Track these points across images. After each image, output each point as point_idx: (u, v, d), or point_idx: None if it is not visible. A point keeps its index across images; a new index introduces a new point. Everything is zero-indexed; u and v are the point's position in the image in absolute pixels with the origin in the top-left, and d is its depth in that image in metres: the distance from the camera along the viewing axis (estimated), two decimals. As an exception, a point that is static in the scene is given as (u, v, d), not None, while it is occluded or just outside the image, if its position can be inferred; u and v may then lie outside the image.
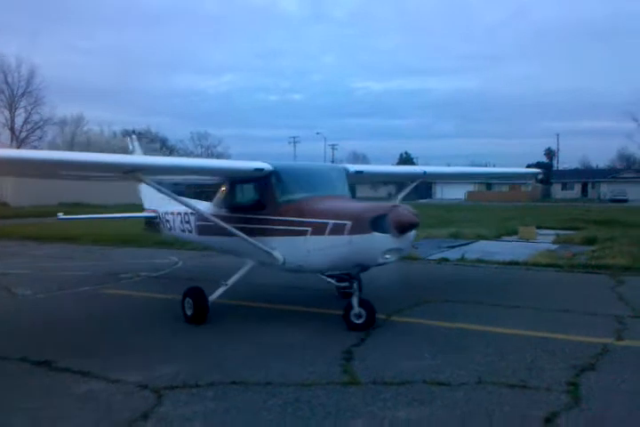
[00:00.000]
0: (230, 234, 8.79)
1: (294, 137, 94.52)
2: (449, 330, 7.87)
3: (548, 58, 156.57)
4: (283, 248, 8.27)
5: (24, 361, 6.79)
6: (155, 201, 12.74)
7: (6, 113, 63.90)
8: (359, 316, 8.01)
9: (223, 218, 9.07)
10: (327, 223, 7.68)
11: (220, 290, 8.75)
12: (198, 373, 6.30)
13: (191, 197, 13.44)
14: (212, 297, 8.67)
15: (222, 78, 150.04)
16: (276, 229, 8.36)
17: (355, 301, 8.04)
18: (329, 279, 9.89)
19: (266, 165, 8.59)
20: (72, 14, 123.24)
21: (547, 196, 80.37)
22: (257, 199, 8.92)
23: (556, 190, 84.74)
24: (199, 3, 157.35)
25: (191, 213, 10.60)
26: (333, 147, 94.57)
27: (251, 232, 8.54)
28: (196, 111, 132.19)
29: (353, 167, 9.98)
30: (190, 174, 9.36)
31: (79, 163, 7.40)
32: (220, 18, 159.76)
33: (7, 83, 62.83)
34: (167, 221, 12.14)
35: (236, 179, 9.27)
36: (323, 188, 8.80)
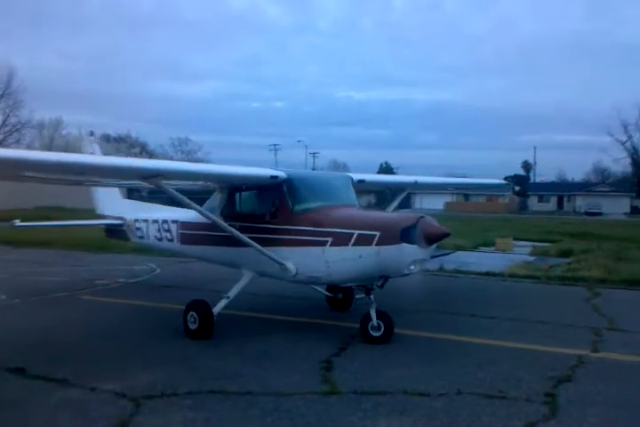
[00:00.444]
0: (225, 244, 8.52)
1: (275, 144, 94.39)
2: (427, 340, 7.90)
3: (528, 71, 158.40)
4: (295, 259, 7.95)
5: (-3, 368, 6.64)
6: (119, 207, 12.17)
7: (-15, 115, 62.83)
8: (377, 328, 7.85)
9: (220, 227, 8.49)
10: (352, 233, 7.47)
11: (223, 303, 8.29)
12: (176, 382, 6.22)
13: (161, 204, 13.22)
14: (215, 311, 8.24)
15: (205, 85, 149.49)
16: (288, 240, 8.03)
17: (372, 313, 7.86)
18: (320, 290, 9.88)
19: (280, 173, 8.30)
20: (52, 17, 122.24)
21: (523, 208, 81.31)
22: (266, 208, 8.51)
23: (533, 203, 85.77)
24: (183, 9, 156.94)
25: (172, 221, 10.19)
26: (314, 155, 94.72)
27: (256, 242, 8.06)
28: (177, 117, 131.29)
29: (356, 176, 9.88)
30: (208, 181, 8.85)
31: (97, 166, 7.06)
32: (203, 24, 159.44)
33: (-15, 85, 61.82)
34: (138, 228, 11.35)
35: (239, 186, 8.83)
36: (335, 197, 8.60)
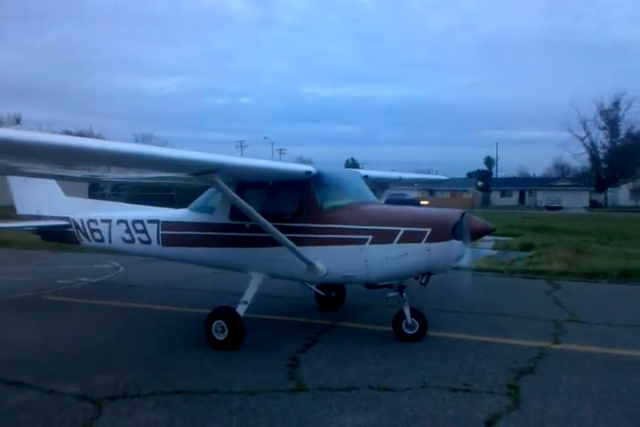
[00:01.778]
0: (228, 244, 8.20)
1: (241, 141, 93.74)
2: (391, 335, 7.94)
3: (490, 69, 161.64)
4: (326, 258, 7.56)
5: (-48, 372, 6.43)
6: (62, 206, 10.72)
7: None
8: (411, 327, 7.78)
9: (227, 227, 8.30)
10: (397, 231, 7.30)
11: (242, 309, 7.65)
12: (139, 382, 6.11)
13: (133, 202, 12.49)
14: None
15: (169, 80, 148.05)
16: (317, 238, 7.64)
17: (407, 311, 7.76)
18: (313, 288, 9.63)
19: (312, 168, 7.89)
20: (12, 11, 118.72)
21: (486, 202, 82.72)
22: (287, 205, 8.06)
23: (495, 197, 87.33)
24: (145, 3, 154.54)
25: (149, 221, 9.20)
26: (281, 151, 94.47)
27: (273, 242, 7.60)
28: (140, 113, 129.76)
29: (361, 172, 9.71)
30: (257, 176, 7.93)
31: (148, 157, 6.00)
32: (166, 18, 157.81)
33: (-62, 79, 59.89)
34: (95, 230, 9.98)
35: (254, 182, 8.17)
36: (361, 193, 8.39)
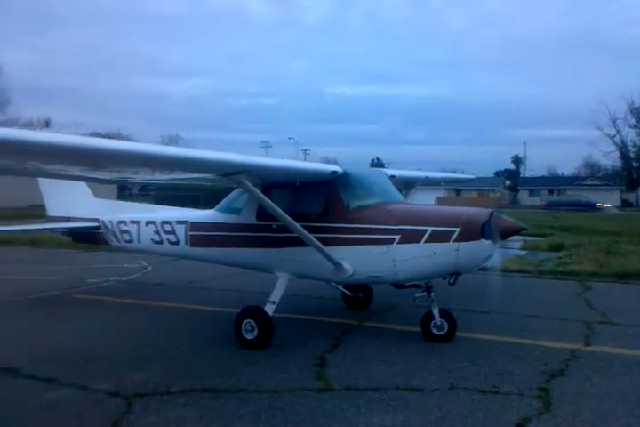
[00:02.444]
0: (255, 245, 8.24)
1: (266, 141, 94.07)
2: (419, 335, 7.90)
3: (518, 66, 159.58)
4: (352, 258, 7.55)
5: (-12, 368, 6.59)
6: (92, 208, 10.87)
7: (-29, 113, 62.32)
8: (440, 327, 7.72)
9: (253, 227, 8.33)
10: (425, 230, 7.25)
11: (270, 308, 7.68)
12: (169, 380, 6.19)
13: (154, 203, 12.53)
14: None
15: (192, 82, 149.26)
16: (344, 238, 7.63)
17: (435, 311, 7.70)
18: (340, 288, 9.65)
19: (339, 168, 7.91)
20: (40, 15, 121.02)
21: (514, 202, 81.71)
22: (313, 205, 8.03)
23: (523, 197, 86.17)
24: (169, 6, 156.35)
25: (177, 222, 9.30)
26: (305, 152, 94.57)
27: (300, 242, 7.60)
28: (166, 114, 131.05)
29: (387, 171, 9.66)
30: (285, 176, 7.90)
31: (177, 158, 6.07)
32: (189, 21, 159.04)
33: (-29, 82, 61.28)
34: (124, 231, 10.10)
35: (280, 183, 8.16)
36: (387, 193, 8.34)
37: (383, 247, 7.43)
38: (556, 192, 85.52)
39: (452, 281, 7.52)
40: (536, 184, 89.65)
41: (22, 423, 5.14)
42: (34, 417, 5.26)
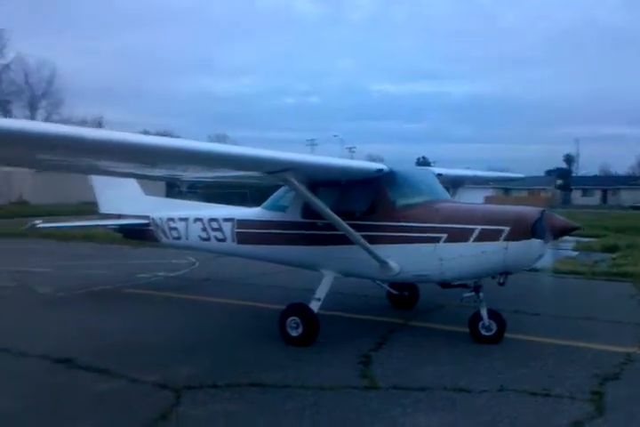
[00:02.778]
0: (301, 243, 8.28)
1: (311, 139, 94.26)
2: (467, 336, 7.77)
3: (567, 62, 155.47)
4: (399, 257, 7.52)
5: (44, 359, 6.83)
6: (142, 205, 11.10)
7: (27, 113, 64.66)
8: (488, 328, 7.58)
9: (299, 225, 8.35)
10: (473, 229, 7.16)
11: (316, 305, 7.69)
12: (216, 373, 6.29)
13: (201, 200, 12.57)
14: None
15: (240, 81, 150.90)
16: (390, 237, 7.59)
17: (483, 312, 7.57)
18: (385, 287, 9.61)
19: (384, 166, 7.86)
20: (93, 16, 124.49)
21: (566, 202, 79.59)
22: (359, 203, 8.02)
23: (576, 197, 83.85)
24: (217, 5, 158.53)
25: (224, 220, 9.41)
26: (351, 150, 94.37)
27: (345, 240, 7.59)
28: (213, 113, 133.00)
29: (435, 170, 9.62)
30: (329, 175, 7.94)
31: (226, 156, 6.12)
32: (237, 20, 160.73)
33: (28, 83, 63.53)
34: (173, 228, 10.27)
35: (326, 181, 8.09)
36: (434, 191, 8.26)
37: (430, 246, 7.35)
38: (610, 192, 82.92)
39: (501, 281, 7.37)
40: (589, 183, 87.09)
41: (77, 413, 5.28)
42: (87, 407, 5.41)
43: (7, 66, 59.56)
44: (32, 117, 63.44)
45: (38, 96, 64.68)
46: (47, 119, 65.09)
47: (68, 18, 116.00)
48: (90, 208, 15.10)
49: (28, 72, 63.15)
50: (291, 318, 7.57)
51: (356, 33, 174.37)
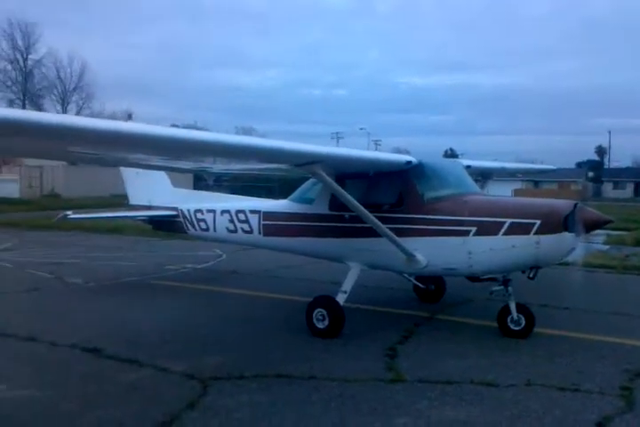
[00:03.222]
0: (328, 235, 8.27)
1: (337, 132, 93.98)
2: (494, 330, 7.70)
3: (596, 52, 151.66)
4: (427, 250, 7.47)
5: (74, 348, 6.97)
6: (171, 197, 11.26)
7: (58, 107, 65.76)
8: (517, 322, 7.50)
9: (326, 217, 8.34)
10: (503, 222, 7.08)
11: (342, 298, 7.70)
12: (243, 364, 6.34)
13: (228, 192, 12.68)
14: None
15: (267, 73, 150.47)
16: (418, 229, 7.55)
17: (512, 306, 7.47)
18: (412, 280, 9.56)
19: (413, 159, 7.79)
20: (120, 10, 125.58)
21: (597, 195, 78.13)
22: (388, 196, 7.96)
23: (607, 189, 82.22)
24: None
25: (251, 212, 9.43)
26: (377, 142, 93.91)
27: (373, 233, 7.57)
28: (240, 106, 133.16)
29: (463, 162, 9.56)
30: (357, 168, 7.92)
31: (254, 148, 6.15)
32: (263, 12, 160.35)
33: (60, 78, 64.46)
34: (200, 220, 10.35)
35: (355, 173, 8.07)
36: (463, 184, 8.16)
37: (459, 239, 7.28)
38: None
39: (531, 275, 7.28)
40: (621, 176, 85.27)
41: (106, 402, 5.38)
42: (117, 396, 5.51)
43: (39, 61, 60.48)
44: (63, 112, 64.51)
45: (69, 91, 65.73)
46: (78, 113, 66.15)
47: (98, 11, 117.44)
48: (120, 201, 15.28)
49: (59, 67, 64.13)
50: (317, 311, 7.58)
51: (384, 24, 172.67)
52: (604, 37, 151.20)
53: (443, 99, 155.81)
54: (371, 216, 7.36)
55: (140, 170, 11.50)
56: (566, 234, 6.87)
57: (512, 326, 7.54)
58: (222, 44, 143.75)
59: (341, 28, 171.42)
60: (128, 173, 12.14)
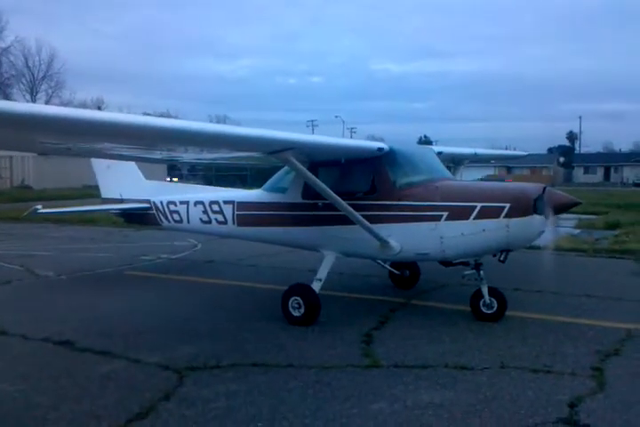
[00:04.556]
0: (302, 224, 8.25)
1: (312, 120, 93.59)
2: (468, 314, 7.79)
3: (571, 39, 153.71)
4: (399, 236, 7.51)
5: (46, 341, 6.86)
6: (143, 189, 11.13)
7: (27, 96, 64.32)
8: (490, 306, 7.59)
9: (299, 206, 8.35)
10: (474, 206, 7.15)
11: (317, 286, 7.71)
12: (218, 354, 6.32)
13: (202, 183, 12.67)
14: None
15: (241, 62, 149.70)
16: (391, 216, 7.59)
17: (484, 289, 7.57)
18: (386, 266, 9.64)
19: (385, 145, 7.78)
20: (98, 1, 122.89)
21: (568, 180, 79.34)
22: (360, 183, 7.96)
23: (578, 174, 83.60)
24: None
25: (224, 202, 9.39)
26: (352, 130, 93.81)
27: (346, 220, 7.58)
28: (214, 95, 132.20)
29: (434, 148, 9.58)
30: (330, 155, 7.85)
31: (225, 136, 6.11)
32: (238, 0, 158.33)
33: (28, 66, 63.05)
34: (174, 211, 10.26)
35: (326, 161, 8.04)
36: (434, 170, 8.17)
37: (431, 224, 7.33)
38: (612, 169, 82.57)
39: (502, 258, 7.37)
40: (592, 161, 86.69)
41: (80, 395, 5.31)
42: (91, 389, 5.44)
43: (6, 49, 58.98)
44: (32, 101, 63.10)
45: (38, 79, 64.31)
46: (47, 103, 64.74)
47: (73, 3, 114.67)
48: (93, 192, 15.08)
49: (27, 55, 62.67)
50: (293, 299, 7.58)
51: (359, 12, 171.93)
52: (576, 26, 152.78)
53: (418, 86, 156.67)
54: (344, 204, 7.35)
55: (111, 163, 11.41)
56: (536, 217, 6.95)
57: (485, 310, 7.63)
58: (196, 33, 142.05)
59: (316, 15, 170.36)
60: (99, 167, 12.02)
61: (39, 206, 10.97)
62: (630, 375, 5.67)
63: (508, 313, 7.69)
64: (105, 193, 12.08)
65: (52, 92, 65.27)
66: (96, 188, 12.59)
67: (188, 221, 10.08)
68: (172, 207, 10.31)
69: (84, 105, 70.91)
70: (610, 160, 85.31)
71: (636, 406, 4.96)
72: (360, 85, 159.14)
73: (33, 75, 63.91)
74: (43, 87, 65.33)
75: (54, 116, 4.66)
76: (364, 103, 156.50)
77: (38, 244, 15.66)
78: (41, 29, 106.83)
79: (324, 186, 7.30)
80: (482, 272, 7.60)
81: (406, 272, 9.70)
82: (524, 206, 6.94)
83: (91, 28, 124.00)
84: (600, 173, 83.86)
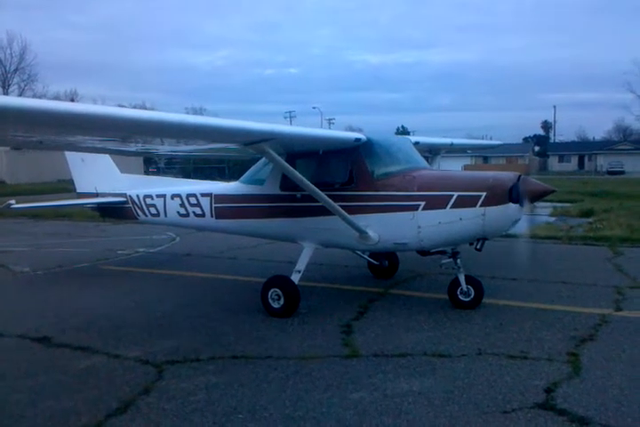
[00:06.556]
0: (280, 215, 8.23)
1: (290, 112, 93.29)
2: (446, 302, 7.87)
3: (545, 29, 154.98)
4: (378, 226, 7.55)
5: (23, 338, 6.79)
6: (118, 183, 11.01)
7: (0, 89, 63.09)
8: (467, 294, 7.67)
9: (278, 198, 8.32)
10: (450, 196, 7.18)
11: (297, 278, 7.73)
12: (198, 347, 6.31)
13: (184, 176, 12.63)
14: None
15: (217, 53, 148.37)
16: (369, 206, 7.62)
17: (461, 278, 7.65)
18: (365, 257, 9.68)
19: (362, 136, 7.77)
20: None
21: (543, 168, 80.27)
22: (337, 174, 7.95)
23: (553, 163, 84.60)
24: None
25: (202, 195, 9.31)
26: (330, 121, 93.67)
27: (325, 211, 7.61)
28: (190, 86, 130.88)
29: (412, 138, 9.61)
30: (307, 146, 7.82)
31: (201, 127, 6.04)
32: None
33: (-1, 59, 61.83)
34: (150, 205, 10.15)
35: (304, 152, 8.01)
36: (411, 160, 8.20)
37: (408, 214, 7.38)
38: (586, 157, 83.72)
39: (478, 246, 7.44)
40: (566, 149, 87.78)
41: (58, 391, 5.27)
42: (69, 385, 5.40)
43: (-24, 42, 57.57)
44: (5, 94, 61.81)
45: (10, 72, 63.04)
46: (20, 95, 63.48)
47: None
48: (68, 186, 14.88)
49: (-2, 47, 61.35)
50: (272, 290, 7.59)
51: (337, 3, 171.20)
52: (550, 15, 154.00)
53: (397, 77, 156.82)
54: (322, 195, 7.35)
55: (86, 157, 11.25)
56: (511, 205, 7.02)
57: (462, 298, 7.72)
58: (172, 24, 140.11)
59: (294, 6, 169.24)
60: (73, 161, 11.83)
61: (12, 201, 10.78)
62: (605, 360, 5.78)
63: (485, 301, 7.79)
64: (80, 187, 11.92)
65: (25, 85, 64.20)
66: (71, 182, 12.41)
67: (166, 215, 9.97)
68: (149, 201, 10.20)
69: (57, 97, 69.76)
70: (584, 149, 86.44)
71: (611, 389, 5.07)
72: (338, 76, 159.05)
73: (5, 68, 62.82)
74: (15, 80, 64.24)
75: (21, 108, 4.56)
76: (342, 94, 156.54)
77: (13, 239, 15.41)
78: (12, 22, 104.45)
79: (301, 177, 7.28)
80: (459, 261, 7.67)
81: (385, 262, 9.75)
82: (499, 195, 7.00)
83: (63, 20, 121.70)
84: (574, 161, 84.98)
